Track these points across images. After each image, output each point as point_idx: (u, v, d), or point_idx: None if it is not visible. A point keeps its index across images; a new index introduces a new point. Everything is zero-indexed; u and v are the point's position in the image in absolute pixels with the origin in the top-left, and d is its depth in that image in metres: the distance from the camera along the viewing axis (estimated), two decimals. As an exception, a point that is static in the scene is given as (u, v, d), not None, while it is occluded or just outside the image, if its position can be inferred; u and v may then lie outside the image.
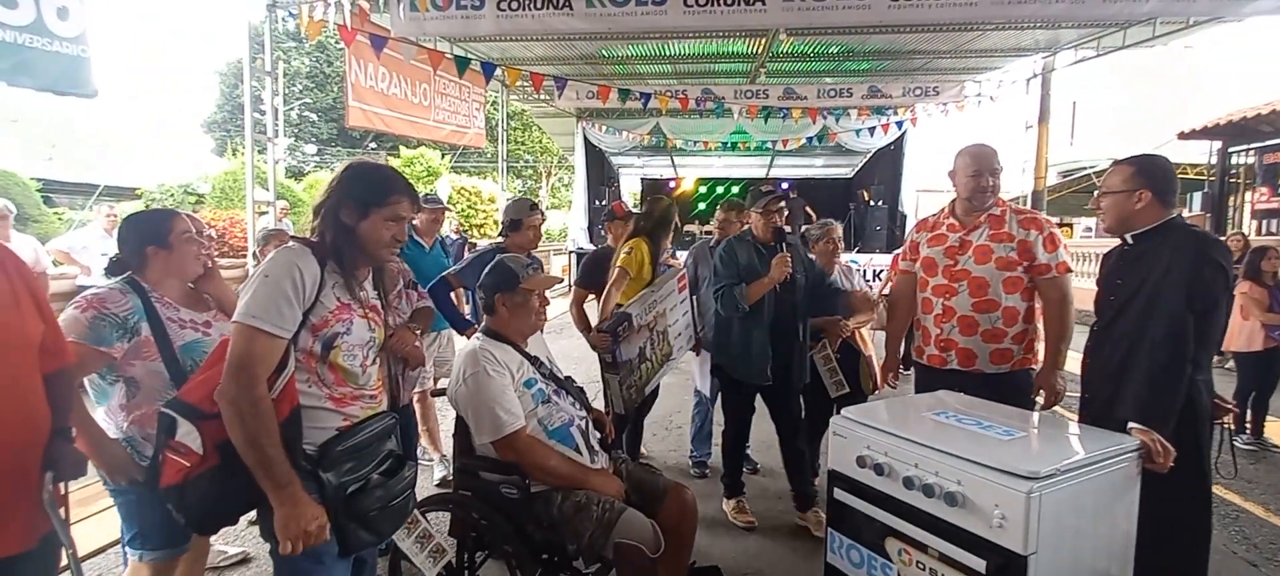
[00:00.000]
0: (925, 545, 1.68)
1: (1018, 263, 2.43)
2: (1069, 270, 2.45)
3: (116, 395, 1.87)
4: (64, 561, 1.54)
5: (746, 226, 3.34)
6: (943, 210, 2.69)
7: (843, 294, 3.26)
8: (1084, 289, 2.84)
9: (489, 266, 2.22)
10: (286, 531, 1.39)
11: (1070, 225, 16.67)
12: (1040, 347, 2.54)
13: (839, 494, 1.94)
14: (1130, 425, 1.84)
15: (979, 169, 2.49)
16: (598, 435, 2.28)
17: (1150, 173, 2.02)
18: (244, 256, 7.40)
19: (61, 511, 1.58)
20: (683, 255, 3.99)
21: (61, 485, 1.59)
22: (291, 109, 24.61)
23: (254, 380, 1.38)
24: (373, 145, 23.42)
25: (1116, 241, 2.18)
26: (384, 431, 1.61)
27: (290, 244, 1.53)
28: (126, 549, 1.93)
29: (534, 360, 2.16)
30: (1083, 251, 11.17)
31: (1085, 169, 12.80)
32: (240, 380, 1.37)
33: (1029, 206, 9.85)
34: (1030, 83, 9.91)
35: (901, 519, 1.75)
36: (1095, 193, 2.18)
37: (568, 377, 2.31)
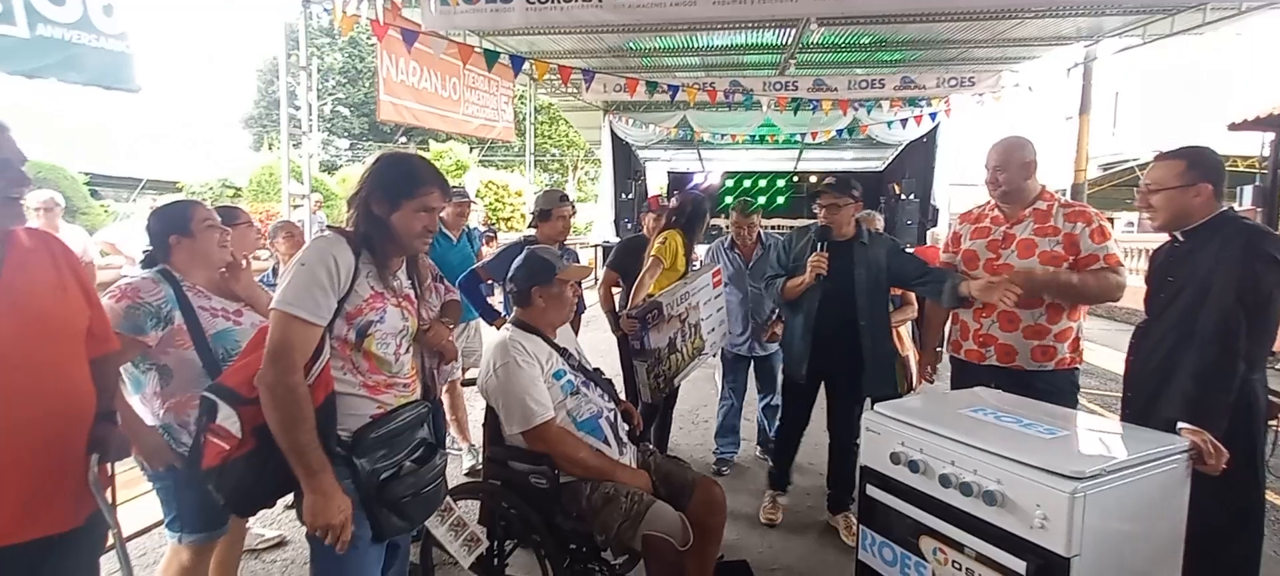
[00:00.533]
0: (962, 544, 1.64)
1: (1063, 257, 2.35)
2: (1120, 262, 2.33)
3: (150, 383, 1.92)
4: (110, 541, 1.60)
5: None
6: (988, 202, 2.61)
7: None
8: (1129, 286, 2.73)
9: (523, 258, 2.21)
10: (314, 518, 1.42)
11: (1112, 219, 16.08)
12: (1086, 347, 2.46)
13: (871, 491, 1.90)
14: (1180, 425, 1.76)
15: (996, 162, 2.43)
16: (626, 427, 2.27)
17: (1205, 165, 1.93)
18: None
19: (108, 492, 1.64)
20: (702, 251, 4.00)
21: (108, 466, 1.65)
22: (324, 104, 25.09)
23: (291, 367, 1.40)
24: (403, 139, 23.77)
25: (1163, 238, 2.09)
26: (417, 419, 1.63)
27: (326, 233, 1.55)
28: (167, 531, 1.99)
29: (563, 352, 2.17)
30: (1125, 246, 10.81)
31: (1127, 162, 12.36)
32: (278, 366, 1.39)
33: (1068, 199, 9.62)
34: (1071, 72, 9.60)
35: (937, 517, 1.71)
36: (1142, 188, 2.07)
37: (596, 369, 2.31)
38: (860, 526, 1.96)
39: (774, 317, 3.67)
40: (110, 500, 1.66)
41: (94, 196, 12.79)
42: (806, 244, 2.95)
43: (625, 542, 1.93)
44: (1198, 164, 1.94)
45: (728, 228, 3.83)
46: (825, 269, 2.80)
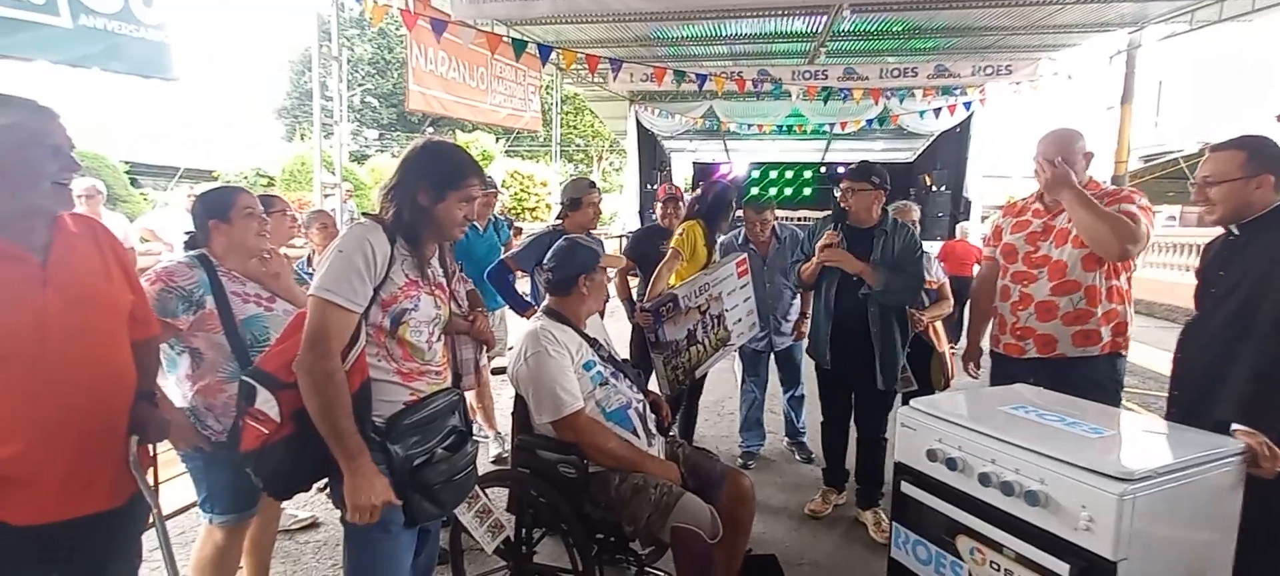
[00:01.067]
0: (1001, 544, 1.60)
1: None
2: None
3: (183, 366, 1.96)
4: (150, 520, 1.64)
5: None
6: (1032, 194, 2.55)
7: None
8: (1168, 282, 2.64)
9: (566, 247, 2.20)
10: (355, 500, 1.43)
11: (1153, 212, 15.60)
12: (1133, 331, 2.39)
13: (906, 487, 1.86)
14: (1234, 426, 1.69)
15: (1051, 151, 2.34)
16: (654, 418, 2.26)
17: (1267, 156, 1.84)
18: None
19: (149, 472, 1.68)
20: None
21: (149, 447, 1.69)
22: (354, 95, 25.48)
23: (329, 353, 1.41)
24: (429, 129, 24.01)
25: (1204, 233, 1.99)
26: (448, 407, 1.63)
27: (362, 221, 1.56)
28: (200, 510, 2.04)
29: (593, 342, 2.16)
30: (1167, 242, 10.42)
31: (1171, 153, 11.88)
32: (315, 351, 1.40)
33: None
34: (1113, 60, 9.27)
35: (975, 516, 1.66)
36: (1198, 181, 1.98)
37: (625, 360, 2.30)
38: (893, 523, 1.93)
39: (800, 316, 3.66)
40: (152, 480, 1.71)
41: (134, 185, 13.18)
42: (823, 229, 3.00)
43: (654, 533, 1.92)
44: (1259, 154, 1.85)
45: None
46: (835, 243, 2.85)
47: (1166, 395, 2.08)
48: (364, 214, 1.63)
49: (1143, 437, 1.72)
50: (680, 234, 3.37)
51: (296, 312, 1.59)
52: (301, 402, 1.43)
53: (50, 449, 1.39)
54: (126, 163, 13.13)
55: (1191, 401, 1.92)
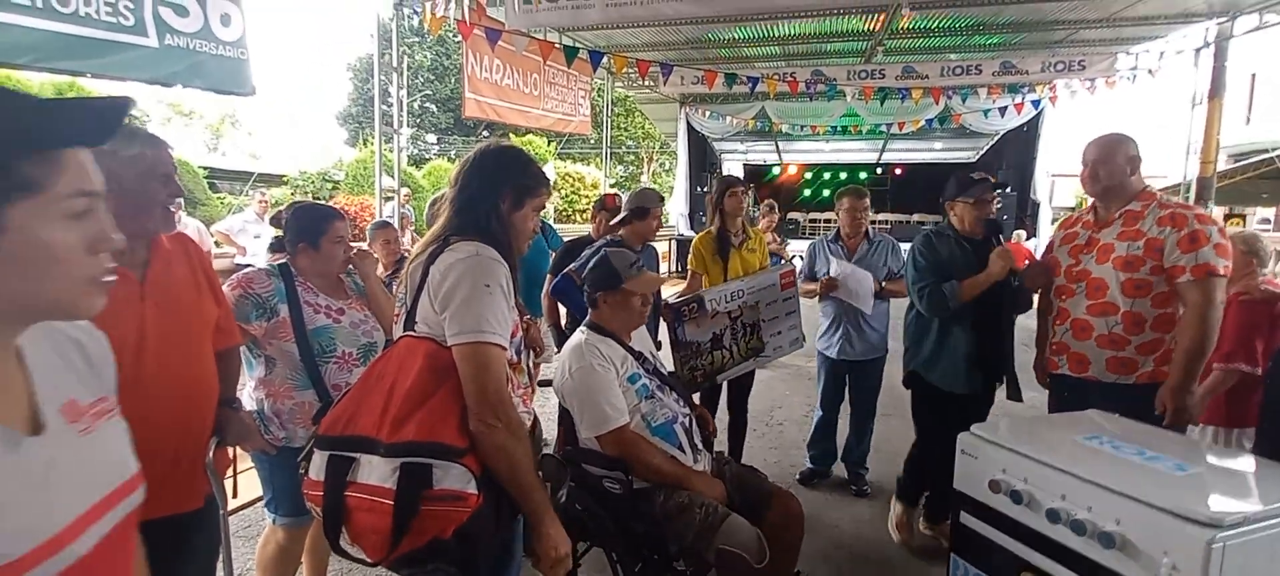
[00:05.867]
0: (1070, 587, 1.50)
1: (1141, 262, 2.13)
2: (1213, 273, 2.04)
3: (259, 369, 2.06)
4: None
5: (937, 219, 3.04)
6: (1087, 205, 2.44)
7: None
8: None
9: (596, 259, 2.21)
10: (553, 554, 1.33)
11: (1243, 216, 14.50)
12: None
13: (966, 519, 1.77)
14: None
15: (1096, 156, 2.27)
16: (701, 433, 2.23)
17: None
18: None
19: (229, 471, 1.78)
20: (796, 245, 3.87)
21: (228, 449, 1.79)
22: (413, 100, 26.35)
23: (509, 400, 1.30)
24: (485, 132, 24.57)
25: None
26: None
27: (479, 247, 1.38)
28: (265, 509, 2.14)
29: (639, 355, 2.15)
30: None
31: (1266, 151, 10.97)
32: (502, 401, 1.28)
33: (1193, 194, 8.66)
34: (1200, 54, 8.62)
35: (1042, 553, 1.56)
36: None
37: (672, 373, 2.28)
38: (951, 554, 1.84)
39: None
40: (232, 476, 1.81)
41: (213, 189, 14.00)
42: (951, 243, 2.74)
43: (699, 554, 1.89)
44: None
45: (841, 219, 3.54)
46: (1012, 262, 2.58)
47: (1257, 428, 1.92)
48: (474, 243, 1.40)
49: (1233, 476, 1.58)
50: (692, 255, 3.44)
51: (414, 363, 1.31)
52: (481, 465, 1.27)
53: (145, 454, 1.48)
54: (205, 168, 13.97)
55: (1288, 437, 1.76)
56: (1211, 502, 1.36)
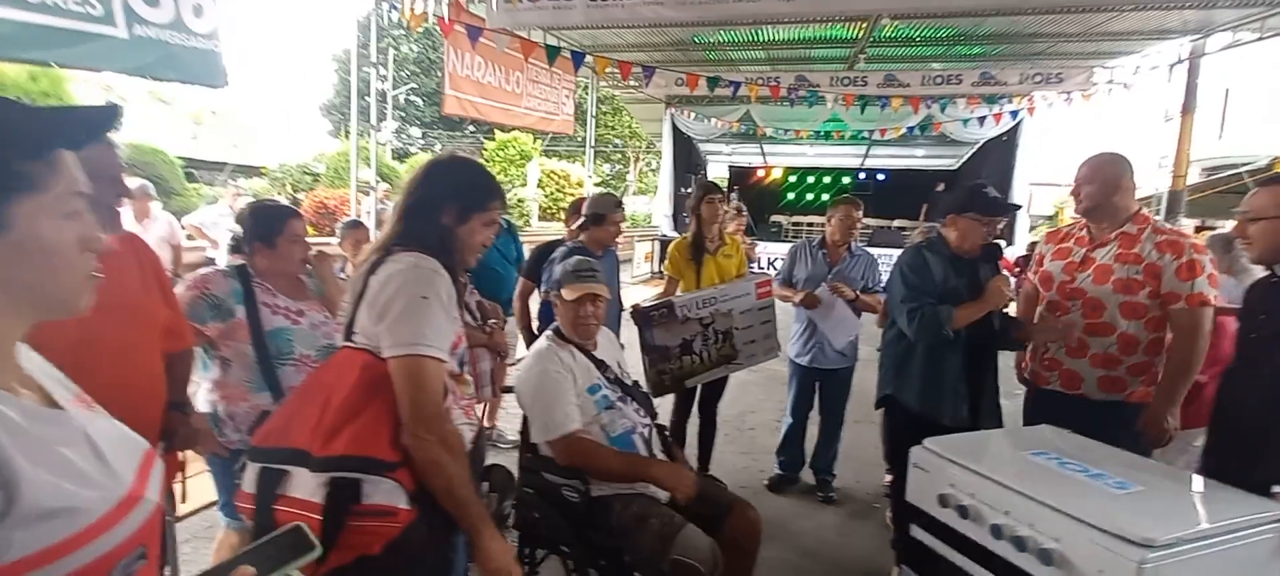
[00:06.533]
0: (1011, 602, 1.52)
1: (1141, 286, 2.16)
2: (1206, 303, 2.10)
3: (214, 371, 2.03)
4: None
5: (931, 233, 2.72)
6: (1078, 220, 2.44)
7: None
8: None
9: (559, 266, 2.22)
10: (492, 570, 1.31)
11: (1214, 227, 14.81)
12: None
13: (917, 532, 1.80)
14: (1274, 488, 1.58)
15: (1084, 176, 2.28)
16: (661, 442, 2.24)
17: None
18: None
19: (177, 476, 1.75)
20: (771, 247, 3.89)
21: (177, 454, 1.76)
22: (399, 93, 26.11)
23: (445, 414, 1.28)
24: (471, 128, 24.41)
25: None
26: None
27: (419, 258, 1.36)
28: (219, 513, 2.11)
29: (601, 364, 2.15)
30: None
31: (1236, 167, 11.22)
32: (437, 415, 1.26)
33: (1164, 207, 8.83)
34: (1173, 69, 8.79)
35: (985, 568, 1.59)
36: (1239, 215, 1.87)
37: (635, 383, 2.28)
38: (903, 566, 1.86)
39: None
40: (181, 481, 1.78)
41: (190, 179, 13.76)
42: (945, 262, 2.48)
43: (655, 565, 1.89)
44: None
45: (832, 226, 3.51)
46: (1013, 294, 2.41)
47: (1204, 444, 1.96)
48: (395, 242, 1.41)
49: (1172, 497, 1.62)
50: (667, 260, 3.48)
51: (350, 376, 1.30)
52: (415, 479, 1.26)
53: None
54: (182, 158, 13.73)
55: (1231, 456, 1.81)
56: (1146, 523, 1.38)
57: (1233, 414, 1.86)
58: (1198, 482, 1.73)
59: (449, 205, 1.43)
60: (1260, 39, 7.38)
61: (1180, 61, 8.70)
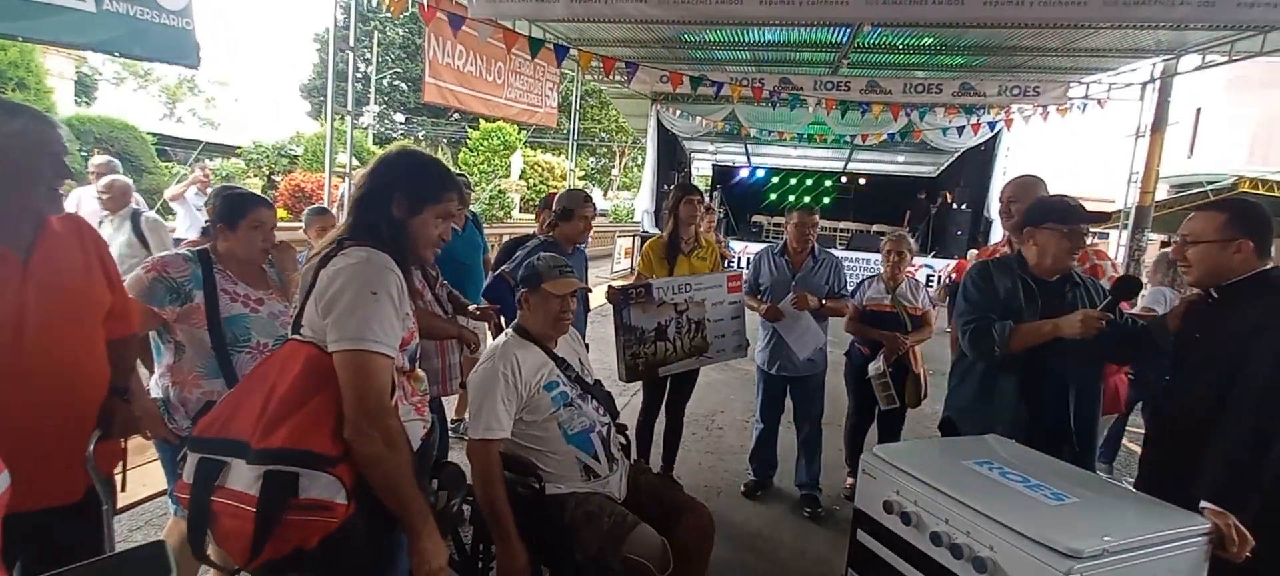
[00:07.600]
0: (947, 608, 1.56)
1: None
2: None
3: (167, 355, 2.01)
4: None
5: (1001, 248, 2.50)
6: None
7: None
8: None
9: (527, 258, 2.21)
10: (429, 568, 1.31)
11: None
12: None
13: (862, 536, 1.83)
14: (1203, 504, 1.63)
15: (1011, 195, 2.45)
16: (620, 442, 2.24)
17: (1248, 221, 1.77)
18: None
19: (119, 464, 1.72)
20: (744, 246, 3.93)
21: (120, 440, 1.73)
22: (383, 77, 25.76)
23: (389, 409, 1.28)
24: (456, 116, 24.17)
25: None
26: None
27: (371, 253, 1.35)
28: (169, 500, 2.08)
29: (561, 362, 2.14)
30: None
31: (1202, 184, 11.53)
32: (380, 411, 1.26)
33: (1131, 222, 9.04)
34: (1146, 88, 9.00)
35: (923, 575, 1.63)
36: (1177, 239, 1.93)
37: (597, 382, 2.28)
38: (850, 570, 1.90)
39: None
40: (121, 469, 1.75)
41: (162, 157, 13.45)
42: (1017, 278, 2.22)
43: (605, 563, 1.91)
44: (1240, 219, 1.78)
45: (789, 233, 3.52)
46: (1104, 326, 2.01)
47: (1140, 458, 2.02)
48: (347, 235, 1.40)
49: (1103, 509, 1.66)
50: (641, 257, 3.50)
51: (294, 368, 1.29)
52: (356, 474, 1.25)
53: (20, 442, 1.42)
54: (155, 135, 13.40)
55: (1164, 469, 1.86)
56: (1075, 534, 1.42)
57: (1167, 429, 1.91)
58: (1134, 496, 1.79)
59: (399, 197, 1.42)
60: (1229, 61, 7.58)
61: (1152, 81, 8.91)
